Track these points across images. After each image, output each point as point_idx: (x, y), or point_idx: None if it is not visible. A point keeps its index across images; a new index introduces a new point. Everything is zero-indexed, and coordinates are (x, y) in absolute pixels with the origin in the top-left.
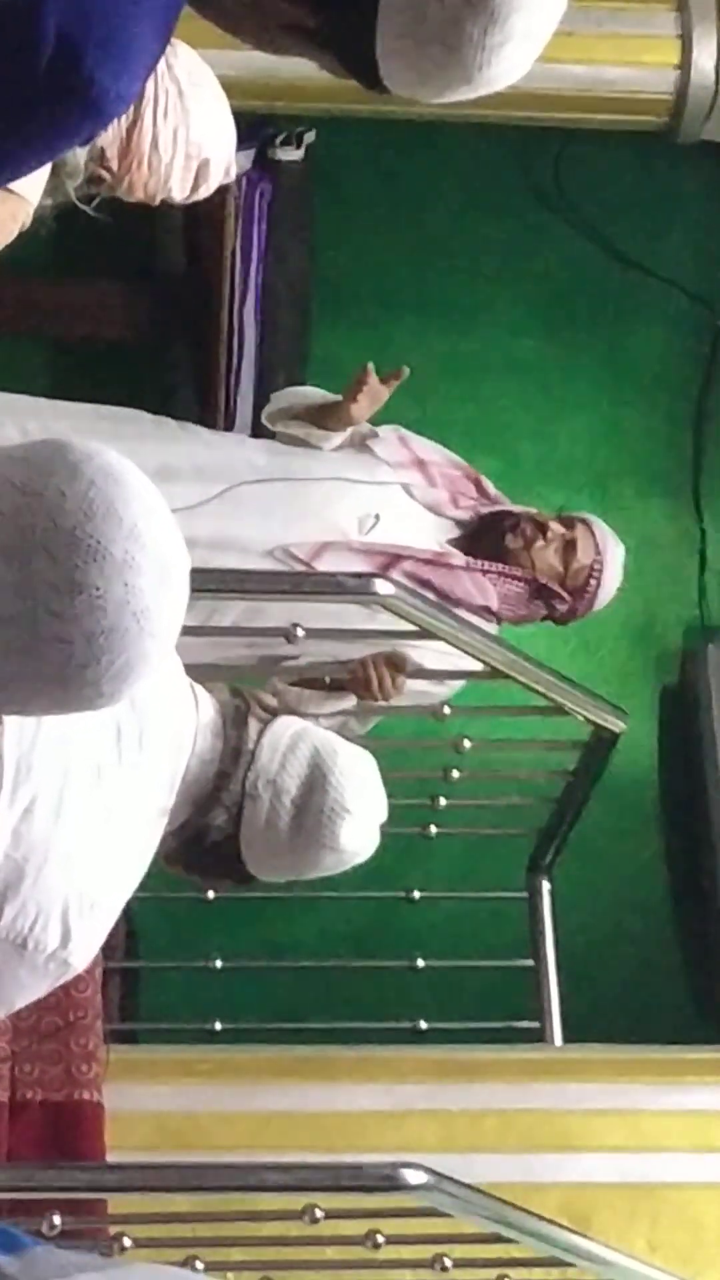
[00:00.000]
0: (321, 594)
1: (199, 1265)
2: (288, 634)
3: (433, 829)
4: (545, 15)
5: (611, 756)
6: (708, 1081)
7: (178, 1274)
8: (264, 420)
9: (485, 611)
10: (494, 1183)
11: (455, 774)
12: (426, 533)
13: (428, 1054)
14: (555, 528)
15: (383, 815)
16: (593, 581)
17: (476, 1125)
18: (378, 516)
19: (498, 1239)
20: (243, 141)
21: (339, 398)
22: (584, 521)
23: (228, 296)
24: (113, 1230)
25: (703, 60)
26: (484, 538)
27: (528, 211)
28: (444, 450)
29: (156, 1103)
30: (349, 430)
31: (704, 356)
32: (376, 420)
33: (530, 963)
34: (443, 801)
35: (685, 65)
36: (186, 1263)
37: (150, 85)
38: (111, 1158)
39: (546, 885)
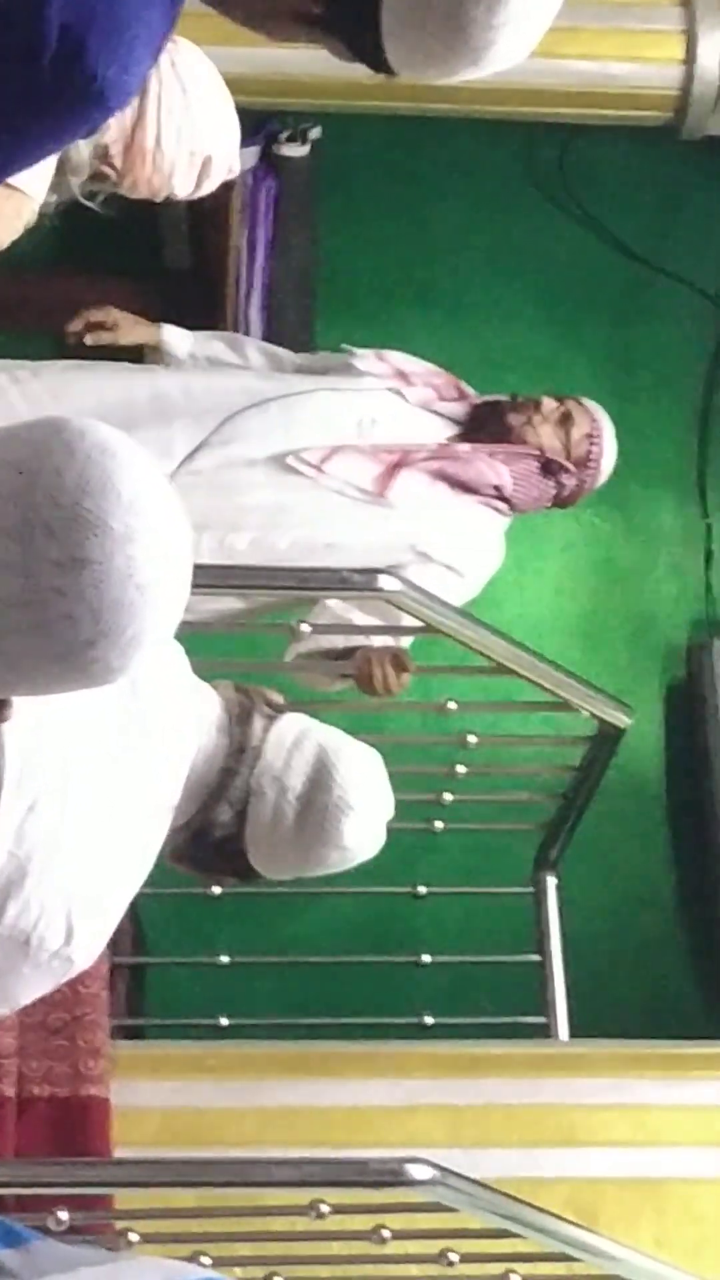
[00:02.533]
0: (326, 590)
1: (205, 1260)
2: (293, 630)
3: (439, 825)
4: None
5: (617, 752)
6: (714, 1076)
7: (176, 1267)
8: None
9: (498, 496)
10: (500, 1178)
11: (461, 770)
12: (425, 431)
13: (434, 1049)
14: (549, 402)
15: (388, 813)
16: (594, 449)
17: (483, 1120)
18: (374, 420)
19: (504, 1234)
20: (247, 138)
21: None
22: (572, 398)
23: (233, 293)
24: (119, 1226)
25: (707, 56)
26: (483, 425)
27: (533, 207)
28: (421, 361)
29: (163, 1098)
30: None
31: (710, 351)
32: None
33: (536, 958)
34: (448, 797)
35: (690, 60)
36: (193, 1258)
37: (154, 82)
38: (118, 1153)
39: (552, 880)
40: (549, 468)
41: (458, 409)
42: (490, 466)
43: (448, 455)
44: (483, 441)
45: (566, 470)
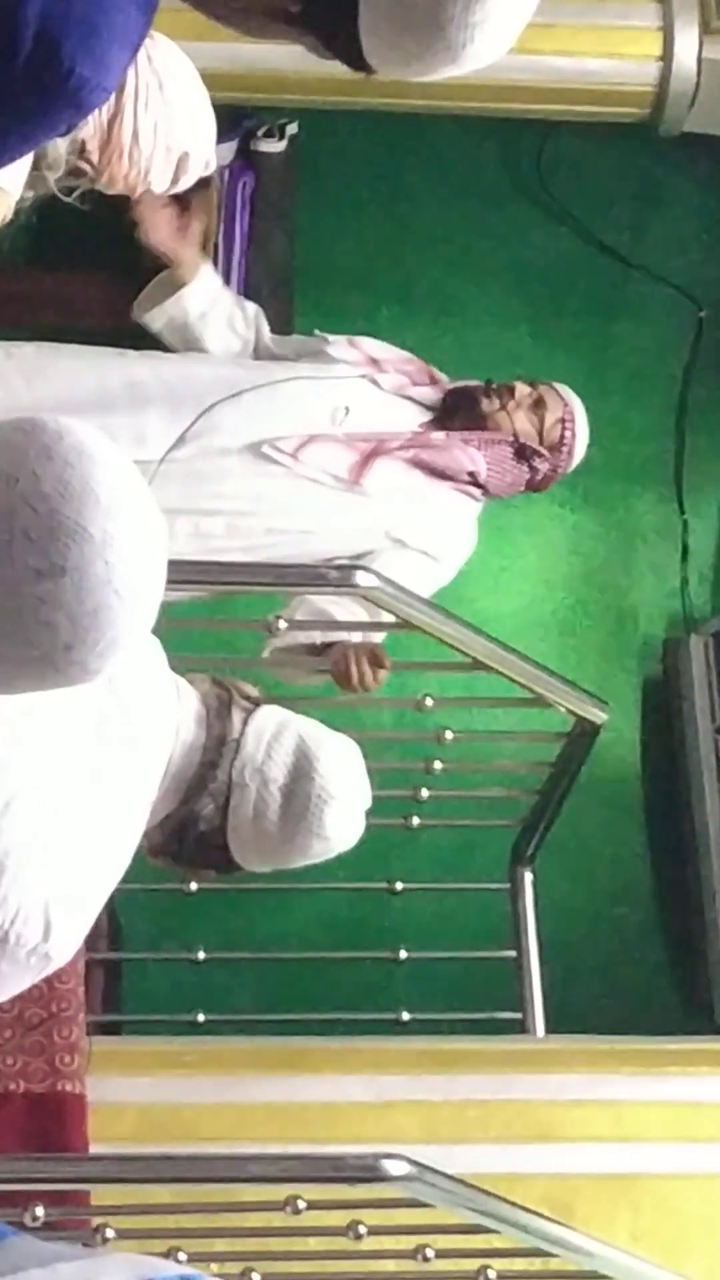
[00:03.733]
0: (303, 586)
1: (182, 1256)
2: (269, 626)
3: (415, 820)
4: None
5: (594, 747)
6: (690, 1072)
7: (153, 1263)
8: (135, 317)
9: (472, 482)
10: (476, 1173)
11: (438, 765)
12: (399, 418)
13: (410, 1045)
14: (522, 388)
15: (368, 801)
16: (567, 434)
17: (459, 1116)
18: (348, 408)
19: (480, 1230)
20: (224, 134)
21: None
22: (544, 383)
23: None
24: (95, 1222)
25: (684, 52)
26: (457, 411)
27: (510, 203)
28: (393, 347)
29: (139, 1094)
30: (202, 272)
31: (686, 346)
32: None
33: (512, 953)
34: (425, 793)
35: (667, 57)
36: (169, 1254)
37: (131, 78)
38: (94, 1149)
39: (529, 876)
40: (522, 453)
41: (431, 394)
42: (465, 453)
43: (423, 443)
44: (455, 428)
45: (540, 455)
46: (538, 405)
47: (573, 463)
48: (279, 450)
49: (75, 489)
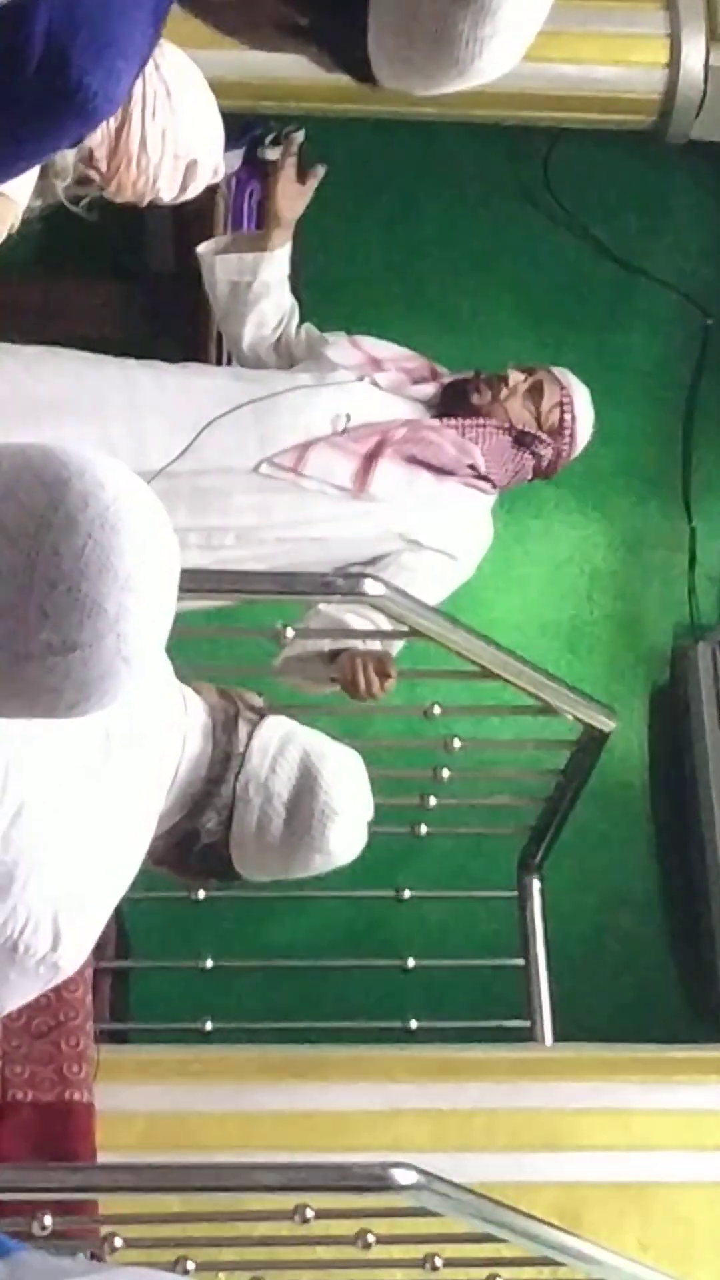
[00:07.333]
0: (311, 594)
1: (190, 1266)
2: (277, 635)
3: (423, 828)
4: (535, 5)
5: (601, 755)
6: (698, 1080)
7: (162, 1277)
8: (201, 254)
9: (478, 476)
10: (484, 1182)
11: (445, 773)
12: (397, 415)
13: (418, 1053)
14: (515, 375)
15: (369, 814)
16: (567, 415)
17: (467, 1125)
18: (349, 415)
19: (488, 1238)
20: (231, 142)
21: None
22: (541, 368)
23: None
24: (104, 1231)
25: (691, 59)
26: (453, 404)
27: (517, 211)
28: (395, 346)
29: (147, 1103)
30: (285, 248)
31: (693, 355)
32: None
33: (520, 962)
34: (433, 801)
35: (674, 64)
36: (177, 1263)
37: (139, 86)
38: (102, 1158)
39: (537, 884)
40: (521, 440)
41: (430, 390)
42: (459, 447)
43: (416, 439)
44: (453, 421)
45: (540, 440)
46: (533, 391)
47: (578, 446)
48: (279, 467)
49: (95, 566)
